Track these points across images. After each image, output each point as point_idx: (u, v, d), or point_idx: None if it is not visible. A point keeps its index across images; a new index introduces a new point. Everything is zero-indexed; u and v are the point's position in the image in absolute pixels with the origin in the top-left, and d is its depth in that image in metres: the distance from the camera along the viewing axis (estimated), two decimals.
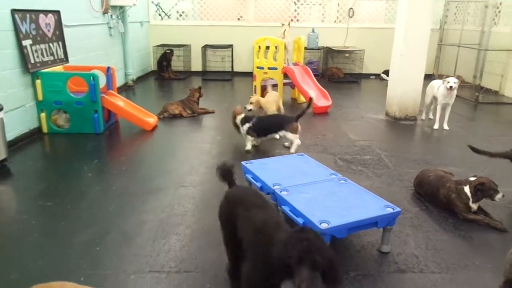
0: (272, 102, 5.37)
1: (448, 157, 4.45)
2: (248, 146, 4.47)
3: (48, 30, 5.00)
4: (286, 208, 2.58)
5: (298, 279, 1.47)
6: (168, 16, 9.72)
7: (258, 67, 6.59)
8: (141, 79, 8.80)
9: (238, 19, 9.78)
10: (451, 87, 5.18)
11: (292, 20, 9.30)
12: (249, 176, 3.10)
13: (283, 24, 6.84)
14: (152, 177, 3.73)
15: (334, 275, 1.58)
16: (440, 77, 8.06)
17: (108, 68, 5.32)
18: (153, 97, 7.61)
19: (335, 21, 9.79)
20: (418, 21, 5.58)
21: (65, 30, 5.36)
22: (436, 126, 5.49)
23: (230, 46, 9.41)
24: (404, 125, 5.73)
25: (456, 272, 2.39)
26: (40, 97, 4.74)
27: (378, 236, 2.68)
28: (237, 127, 4.53)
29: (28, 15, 4.60)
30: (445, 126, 5.47)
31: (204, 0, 9.66)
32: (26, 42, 4.57)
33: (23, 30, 4.52)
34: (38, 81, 4.68)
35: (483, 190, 2.93)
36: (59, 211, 3.07)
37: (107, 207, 3.14)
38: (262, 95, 6.77)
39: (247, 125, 4.43)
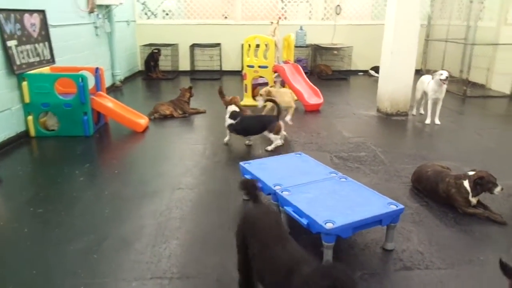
0: (285, 93, 5.29)
1: (442, 151, 4.47)
2: (226, 138, 4.57)
3: (34, 30, 4.85)
4: (289, 209, 2.54)
5: None
6: (155, 15, 9.58)
7: (248, 66, 6.53)
8: (128, 79, 8.65)
9: (226, 17, 9.69)
10: (446, 77, 5.22)
11: (280, 18, 9.26)
12: (248, 177, 3.04)
13: (272, 22, 6.78)
14: (146, 180, 3.65)
15: None
16: (428, 72, 8.14)
17: (97, 68, 5.20)
18: (141, 97, 7.48)
19: (322, 18, 9.80)
20: (408, 17, 5.58)
21: (50, 30, 5.21)
22: (428, 121, 5.51)
23: (218, 44, 9.32)
24: (396, 120, 5.74)
25: (462, 267, 2.38)
26: (27, 100, 4.59)
27: (381, 233, 2.66)
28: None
29: (12, 15, 4.45)
30: (437, 121, 5.50)
31: None
32: (11, 43, 4.42)
33: (8, 31, 4.38)
34: (24, 83, 4.54)
35: (483, 184, 2.94)
36: (52, 217, 2.96)
37: (101, 213, 3.05)
38: (253, 94, 6.73)
39: (230, 122, 4.43)
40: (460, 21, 8.61)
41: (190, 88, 5.95)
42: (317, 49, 9.60)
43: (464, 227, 2.84)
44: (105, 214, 3.02)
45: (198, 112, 5.97)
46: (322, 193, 2.66)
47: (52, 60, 5.22)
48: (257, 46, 6.53)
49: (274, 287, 1.70)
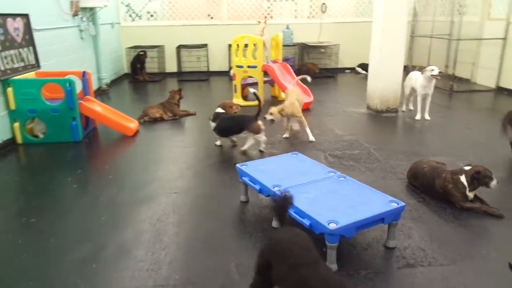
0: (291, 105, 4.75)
1: (434, 147, 4.51)
2: (218, 142, 4.55)
3: (17, 35, 4.72)
4: (290, 210, 2.50)
5: None
6: (139, 17, 9.45)
7: (237, 66, 6.49)
8: (114, 82, 8.52)
9: (211, 18, 9.62)
10: (440, 72, 5.28)
11: (266, 17, 9.24)
12: (246, 179, 3.01)
13: (259, 22, 6.76)
14: (141, 185, 3.58)
15: None
16: (414, 68, 8.22)
17: (84, 72, 5.09)
18: (129, 100, 7.38)
19: (308, 17, 9.80)
20: (395, 13, 5.62)
21: (35, 34, 5.08)
22: (418, 117, 5.56)
23: (205, 45, 9.25)
24: (386, 117, 5.78)
25: (464, 262, 2.39)
26: (12, 106, 4.47)
27: (381, 231, 2.66)
28: None
29: None
30: (427, 116, 5.55)
31: (175, 0, 9.45)
32: None
33: None
34: (9, 89, 4.41)
35: (480, 178, 2.96)
36: (46, 227, 2.88)
37: (97, 220, 2.98)
38: (243, 94, 6.70)
39: (212, 124, 4.46)
40: (444, 17, 8.72)
41: (180, 90, 5.88)
42: (304, 48, 9.61)
43: (463, 221, 2.86)
44: (101, 222, 2.95)
45: (188, 114, 5.91)
46: (322, 193, 2.64)
47: (37, 65, 5.09)
48: (246, 46, 6.49)
49: None
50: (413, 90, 5.75)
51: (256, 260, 1.94)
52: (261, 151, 4.33)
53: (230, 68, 8.90)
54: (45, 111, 4.54)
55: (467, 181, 2.99)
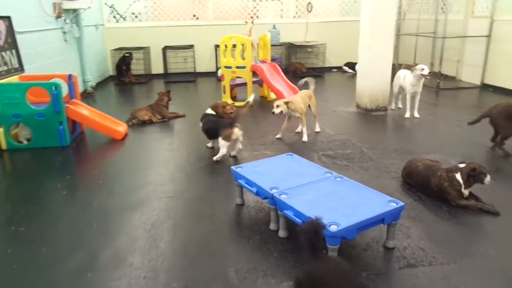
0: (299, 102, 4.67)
1: (425, 144, 4.53)
2: (209, 144, 4.47)
3: (0, 38, 4.58)
4: (289, 213, 2.47)
5: None
6: (123, 18, 9.31)
7: (226, 67, 6.43)
8: (100, 85, 8.37)
9: (197, 18, 9.53)
10: (430, 72, 5.33)
11: (253, 17, 9.21)
12: (242, 181, 2.96)
13: (247, 22, 6.72)
14: (132, 189, 3.50)
15: None
16: (400, 66, 8.28)
17: (70, 75, 4.97)
18: (115, 103, 7.26)
19: (294, 16, 9.80)
20: (383, 13, 5.64)
21: (17, 36, 4.94)
22: (407, 115, 5.59)
23: (192, 46, 9.15)
24: (376, 116, 5.80)
25: (464, 261, 2.39)
26: None
27: (380, 231, 2.64)
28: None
29: None
30: (416, 114, 5.59)
31: (160, 0, 9.32)
32: None
33: None
34: None
35: (475, 175, 2.97)
36: (36, 236, 2.79)
37: (89, 227, 2.89)
38: (232, 95, 6.65)
39: (200, 125, 4.40)
40: (429, 15, 8.82)
41: (168, 92, 5.80)
42: (291, 47, 9.60)
43: (459, 219, 2.87)
44: (93, 229, 2.87)
45: (178, 116, 5.83)
46: (321, 194, 2.61)
47: (21, 69, 4.95)
48: (234, 46, 6.44)
49: None
50: (401, 89, 5.78)
51: None
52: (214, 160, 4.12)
53: (218, 68, 8.84)
54: (30, 116, 4.41)
55: (462, 178, 3.00)
